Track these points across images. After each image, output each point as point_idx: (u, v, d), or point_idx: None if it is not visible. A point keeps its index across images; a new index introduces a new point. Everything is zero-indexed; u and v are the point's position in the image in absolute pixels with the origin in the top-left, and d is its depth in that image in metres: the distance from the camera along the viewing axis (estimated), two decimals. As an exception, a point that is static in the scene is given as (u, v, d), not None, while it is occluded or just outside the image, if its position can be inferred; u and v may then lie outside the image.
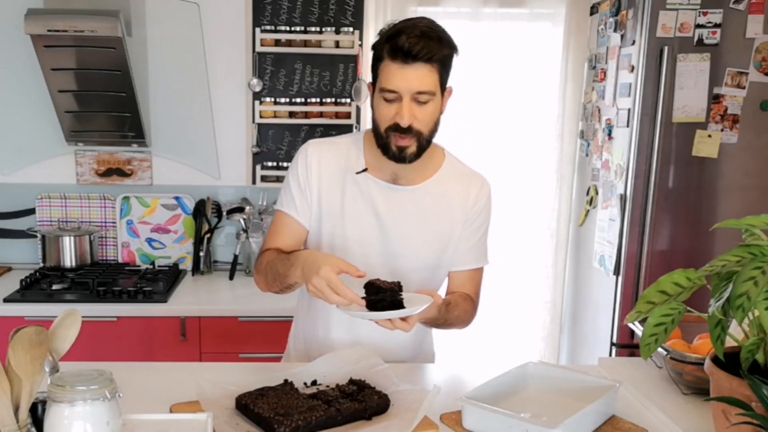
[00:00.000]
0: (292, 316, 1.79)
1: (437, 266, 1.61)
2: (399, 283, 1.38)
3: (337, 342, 1.63)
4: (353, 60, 2.94)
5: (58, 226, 2.97)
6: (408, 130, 1.44)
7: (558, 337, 3.28)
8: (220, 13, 2.91)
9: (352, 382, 1.38)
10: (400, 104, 1.42)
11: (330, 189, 1.57)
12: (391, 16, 2.93)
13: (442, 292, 1.65)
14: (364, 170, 1.55)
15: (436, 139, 1.56)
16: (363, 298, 1.34)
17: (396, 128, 1.44)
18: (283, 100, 2.95)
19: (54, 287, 2.59)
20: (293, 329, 1.77)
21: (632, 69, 2.48)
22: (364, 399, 1.30)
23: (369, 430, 1.24)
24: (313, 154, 1.58)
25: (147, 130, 2.90)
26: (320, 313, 1.64)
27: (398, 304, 1.36)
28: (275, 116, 2.96)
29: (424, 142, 1.48)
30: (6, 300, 2.48)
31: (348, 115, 2.94)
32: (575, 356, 3.11)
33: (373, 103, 1.50)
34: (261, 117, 2.96)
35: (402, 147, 1.46)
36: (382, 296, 1.35)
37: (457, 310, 1.58)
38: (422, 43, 1.39)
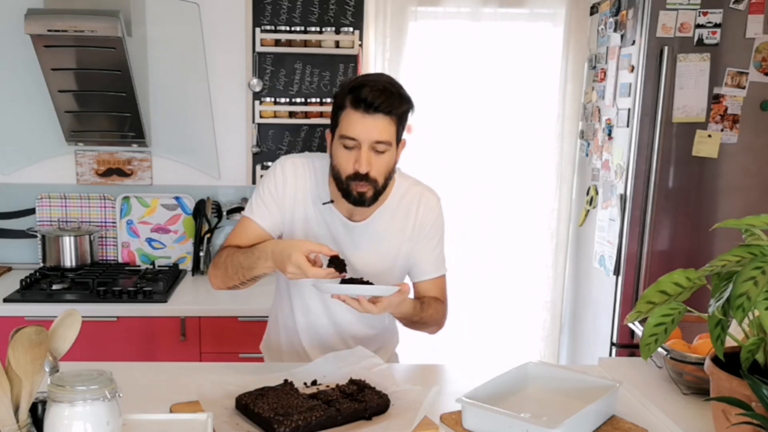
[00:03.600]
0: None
1: (390, 283, 1.65)
2: (361, 278, 1.49)
3: (302, 333, 1.72)
4: (353, 60, 2.94)
5: (58, 226, 2.97)
6: (365, 177, 1.51)
7: (558, 337, 3.28)
8: (220, 13, 2.91)
9: (352, 382, 1.38)
10: (358, 152, 1.50)
11: (300, 208, 1.64)
12: (391, 16, 2.92)
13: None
14: (331, 201, 1.62)
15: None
16: (337, 271, 1.42)
17: (355, 176, 1.51)
18: (283, 100, 2.96)
19: (54, 287, 2.59)
20: (268, 323, 1.85)
21: (632, 69, 2.48)
22: (364, 399, 1.30)
23: (369, 430, 1.24)
24: (290, 171, 1.64)
25: (147, 130, 2.90)
26: (286, 306, 1.74)
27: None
28: (275, 116, 2.96)
29: (380, 188, 1.56)
30: (6, 300, 2.48)
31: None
32: (575, 356, 3.11)
33: (331, 151, 1.57)
34: (261, 117, 2.96)
35: (361, 192, 1.53)
36: (353, 278, 1.45)
37: (430, 309, 1.66)
38: (384, 97, 1.48)
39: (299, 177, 1.64)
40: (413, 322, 1.64)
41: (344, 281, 1.44)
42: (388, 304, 1.47)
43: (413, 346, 2.63)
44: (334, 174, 1.55)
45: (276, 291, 1.80)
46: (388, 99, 1.48)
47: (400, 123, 1.54)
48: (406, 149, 1.63)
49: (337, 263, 1.42)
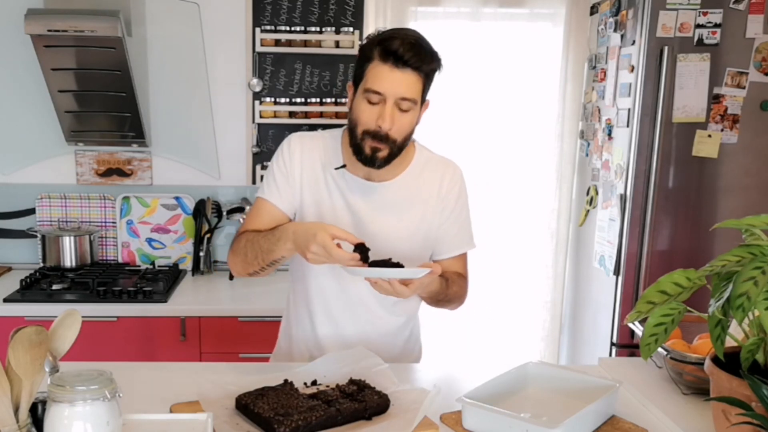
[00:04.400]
0: (292, 316, 1.80)
1: (414, 257, 1.62)
2: (389, 259, 1.42)
3: (323, 338, 1.66)
4: (353, 60, 2.93)
5: (58, 226, 2.97)
6: (385, 138, 1.47)
7: (558, 337, 3.28)
8: (220, 13, 2.91)
9: (352, 382, 1.38)
10: (382, 107, 1.45)
11: (310, 182, 1.60)
12: (391, 16, 2.93)
13: None
14: (343, 166, 1.58)
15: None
16: (361, 259, 1.37)
17: (374, 135, 1.47)
18: (283, 100, 2.96)
19: (54, 287, 2.59)
20: (282, 327, 1.79)
21: (632, 69, 2.48)
22: (364, 399, 1.30)
23: (369, 430, 1.24)
24: (297, 146, 1.61)
25: (147, 130, 2.90)
26: (305, 310, 1.67)
27: (399, 267, 1.39)
28: (275, 116, 2.97)
29: (396, 150, 1.51)
30: (6, 300, 2.48)
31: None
32: (575, 356, 3.11)
33: (352, 104, 1.52)
34: (261, 117, 2.96)
35: (375, 148, 1.48)
36: (380, 260, 1.39)
37: (454, 286, 1.62)
38: (414, 51, 1.43)
39: (307, 149, 1.60)
40: (438, 300, 1.61)
41: (372, 263, 1.39)
42: (419, 285, 1.42)
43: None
44: (351, 128, 1.51)
45: (290, 302, 1.73)
46: (419, 54, 1.44)
47: (427, 81, 1.49)
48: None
49: (361, 250, 1.37)
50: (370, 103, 1.46)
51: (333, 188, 1.59)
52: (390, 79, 1.43)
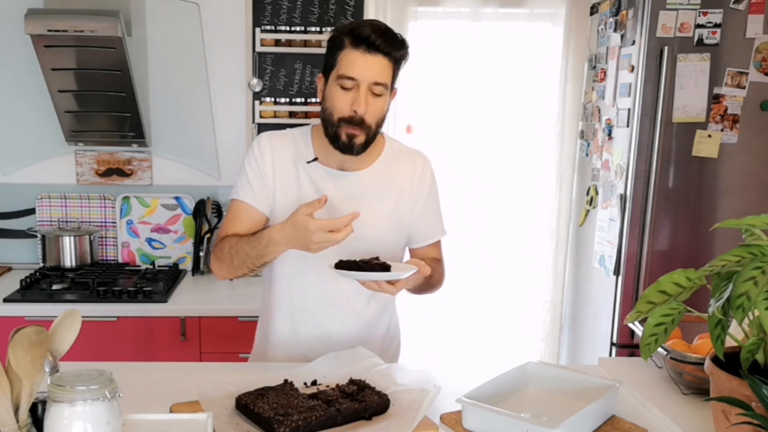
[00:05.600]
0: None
1: (389, 243, 1.67)
2: (377, 258, 1.48)
3: (304, 337, 1.68)
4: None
5: (58, 226, 2.97)
6: (360, 123, 1.50)
7: (558, 337, 3.28)
8: (220, 13, 2.91)
9: (352, 382, 1.38)
10: (356, 93, 1.50)
11: (283, 178, 1.62)
12: (391, 15, 2.93)
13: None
14: (315, 159, 1.62)
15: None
16: (347, 261, 1.44)
17: (349, 120, 1.50)
18: (283, 100, 2.96)
19: (54, 287, 2.59)
20: (259, 329, 1.82)
21: (632, 69, 2.48)
22: (364, 399, 1.30)
23: (369, 430, 1.24)
24: (266, 145, 1.64)
25: (147, 130, 2.90)
26: (282, 309, 1.70)
27: (386, 268, 1.45)
28: (275, 116, 2.97)
29: (371, 135, 1.56)
30: (6, 300, 2.48)
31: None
32: (575, 356, 3.10)
33: (324, 94, 1.56)
34: (261, 117, 2.96)
35: (352, 135, 1.52)
36: (371, 260, 1.45)
37: (435, 274, 1.65)
38: (385, 37, 1.49)
39: (277, 147, 1.63)
40: (421, 290, 1.66)
41: (358, 263, 1.44)
42: (405, 283, 1.48)
43: (414, 347, 2.62)
44: (325, 117, 1.55)
45: (266, 303, 1.76)
46: (390, 40, 1.49)
47: (397, 67, 1.54)
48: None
49: (345, 266, 1.44)
50: (344, 88, 1.50)
51: (306, 182, 1.62)
52: (363, 64, 1.48)
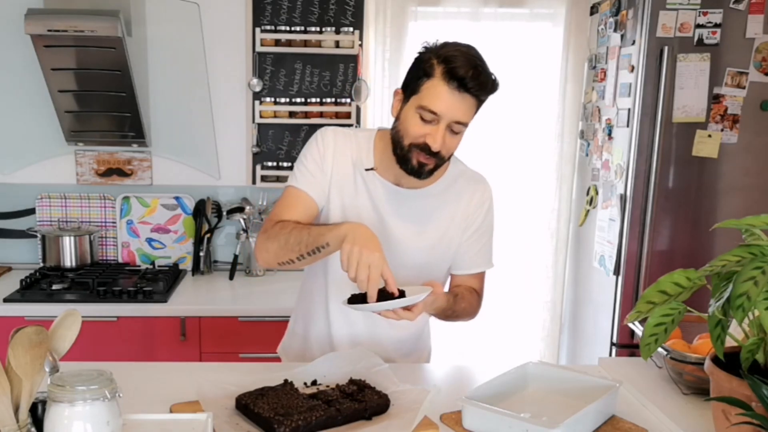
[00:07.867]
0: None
1: (433, 265, 1.62)
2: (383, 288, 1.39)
3: (336, 338, 1.65)
4: (353, 60, 2.93)
5: (58, 226, 2.97)
6: (433, 154, 1.45)
7: (558, 337, 3.28)
8: (220, 13, 2.91)
9: (352, 382, 1.38)
10: (434, 126, 1.42)
11: (340, 178, 1.57)
12: (390, 16, 2.92)
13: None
14: (372, 169, 1.57)
15: None
16: (358, 294, 1.37)
17: (423, 148, 1.44)
18: (283, 100, 2.96)
19: (54, 287, 2.59)
20: (293, 324, 1.77)
21: (632, 69, 2.48)
22: (364, 399, 1.30)
23: (369, 430, 1.24)
24: (330, 140, 1.58)
25: (147, 130, 2.90)
26: (320, 308, 1.66)
27: (400, 294, 1.38)
28: (275, 116, 2.97)
29: (441, 164, 1.51)
30: (6, 300, 2.48)
31: (348, 115, 2.95)
32: (575, 356, 3.10)
33: (400, 113, 1.49)
34: (261, 117, 2.96)
35: (422, 164, 1.47)
36: (382, 290, 1.37)
37: (464, 302, 1.61)
38: (479, 79, 1.40)
39: (339, 144, 1.57)
40: (446, 315, 1.60)
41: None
42: (423, 307, 1.41)
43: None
44: (396, 137, 1.48)
45: (304, 296, 1.72)
46: (484, 83, 1.40)
47: (480, 106, 1.46)
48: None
49: (383, 296, 1.36)
50: (423, 120, 1.43)
51: (361, 188, 1.57)
52: (449, 102, 1.40)
